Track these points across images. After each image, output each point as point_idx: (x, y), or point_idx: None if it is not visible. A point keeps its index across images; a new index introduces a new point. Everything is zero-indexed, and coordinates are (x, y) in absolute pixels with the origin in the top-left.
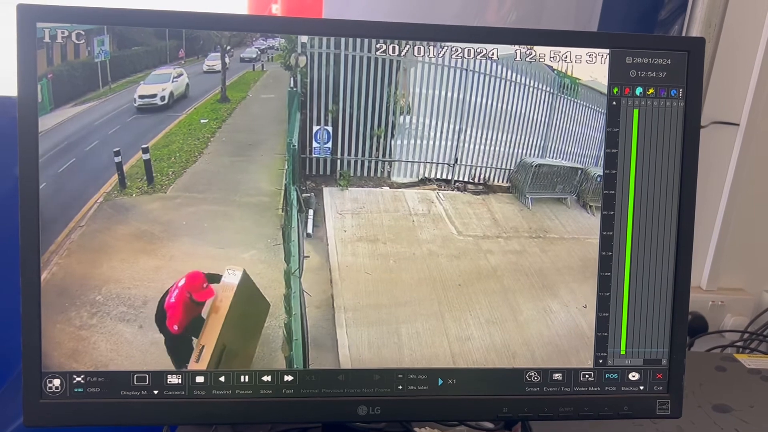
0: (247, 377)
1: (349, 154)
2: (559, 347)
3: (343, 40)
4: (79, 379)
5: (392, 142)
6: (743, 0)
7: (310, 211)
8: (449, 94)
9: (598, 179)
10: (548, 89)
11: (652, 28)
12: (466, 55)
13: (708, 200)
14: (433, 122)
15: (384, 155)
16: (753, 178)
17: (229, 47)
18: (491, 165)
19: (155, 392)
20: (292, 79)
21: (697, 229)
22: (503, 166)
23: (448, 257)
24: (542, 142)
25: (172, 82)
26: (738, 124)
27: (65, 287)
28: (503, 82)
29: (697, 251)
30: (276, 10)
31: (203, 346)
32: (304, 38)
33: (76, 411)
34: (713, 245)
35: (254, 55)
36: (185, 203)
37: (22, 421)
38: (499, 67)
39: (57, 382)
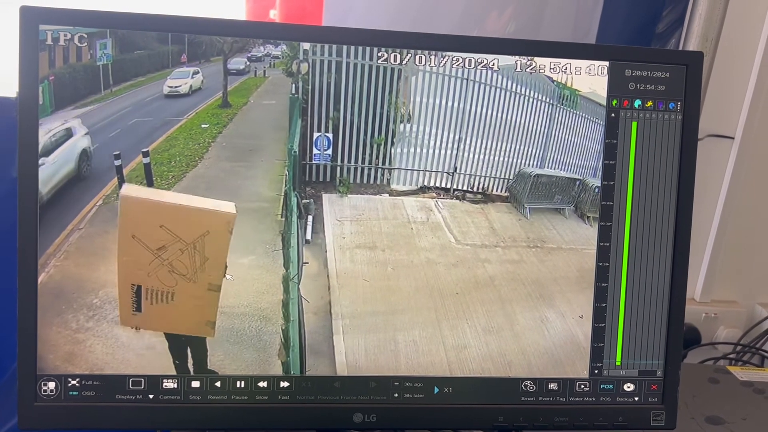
0: (243, 383)
1: (349, 161)
2: (555, 357)
3: (344, 47)
4: (74, 382)
5: (392, 150)
6: (740, 15)
7: (310, 218)
8: (450, 104)
9: (596, 190)
10: (548, 100)
11: (649, 40)
12: (466, 65)
13: (702, 213)
14: (433, 131)
15: (384, 163)
16: (747, 192)
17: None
18: (490, 174)
19: (150, 396)
20: (293, 85)
21: (691, 241)
22: (502, 176)
23: (446, 266)
24: (541, 152)
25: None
26: (733, 138)
27: (62, 290)
28: (503, 92)
29: (691, 263)
30: (274, 15)
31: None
32: (306, 45)
33: (71, 414)
34: (707, 257)
35: (242, 66)
36: None
37: (16, 423)
38: (500, 77)
39: (52, 385)
